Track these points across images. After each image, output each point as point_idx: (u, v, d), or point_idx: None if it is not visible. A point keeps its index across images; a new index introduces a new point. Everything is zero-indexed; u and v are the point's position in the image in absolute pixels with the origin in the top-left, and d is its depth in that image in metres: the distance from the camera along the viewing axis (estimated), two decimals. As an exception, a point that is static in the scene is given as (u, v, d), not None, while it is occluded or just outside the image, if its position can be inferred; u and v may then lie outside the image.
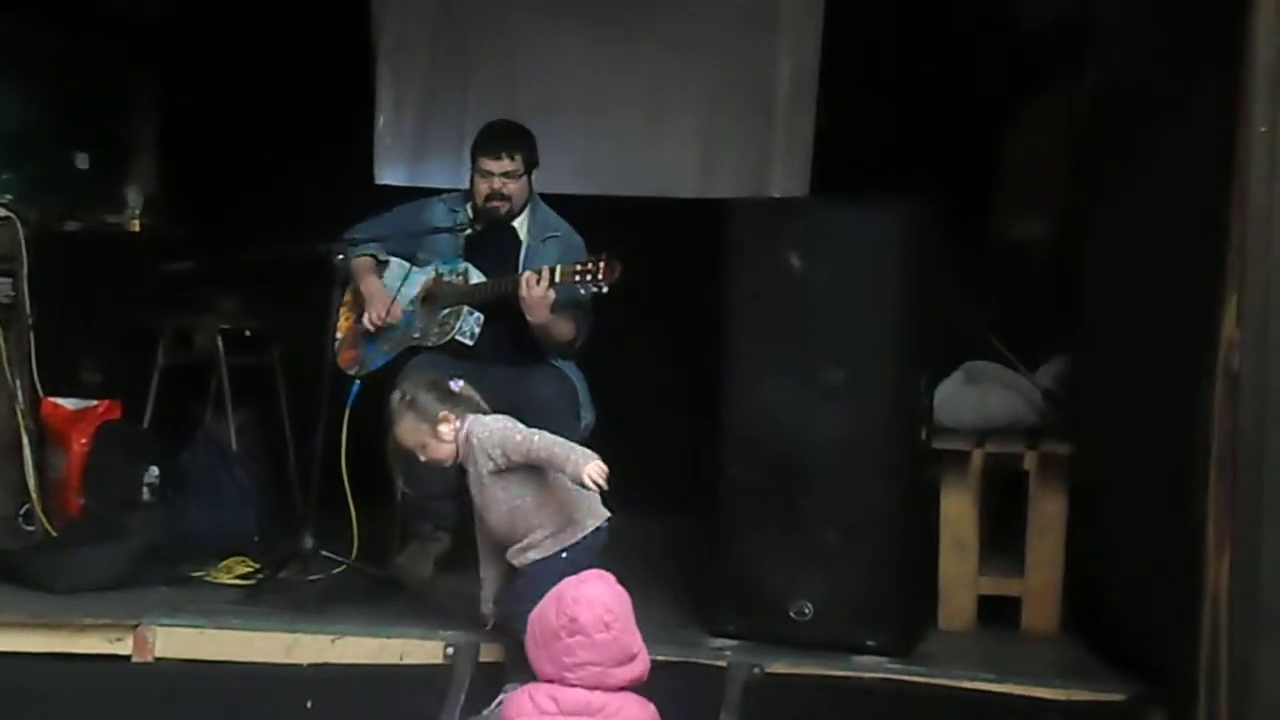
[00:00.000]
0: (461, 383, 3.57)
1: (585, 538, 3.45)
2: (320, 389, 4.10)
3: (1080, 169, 4.35)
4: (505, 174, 4.30)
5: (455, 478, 4.10)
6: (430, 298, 4.34)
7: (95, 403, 4.69)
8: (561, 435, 3.49)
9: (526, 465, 3.41)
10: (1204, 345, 3.06)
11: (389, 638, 3.68)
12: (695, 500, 4.00)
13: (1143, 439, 3.49)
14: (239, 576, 4.18)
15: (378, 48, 5.45)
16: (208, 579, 4.18)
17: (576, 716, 2.92)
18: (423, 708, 3.47)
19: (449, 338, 4.24)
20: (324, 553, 4.03)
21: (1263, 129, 2.91)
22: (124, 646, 3.69)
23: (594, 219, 4.50)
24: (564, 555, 3.41)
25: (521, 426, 3.45)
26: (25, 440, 4.62)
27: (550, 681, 2.96)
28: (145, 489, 4.56)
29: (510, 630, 3.38)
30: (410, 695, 3.54)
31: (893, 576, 3.62)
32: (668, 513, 4.68)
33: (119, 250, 5.10)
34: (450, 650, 3.61)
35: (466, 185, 4.44)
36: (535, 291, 4.03)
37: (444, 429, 3.45)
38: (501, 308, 4.19)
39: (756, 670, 3.49)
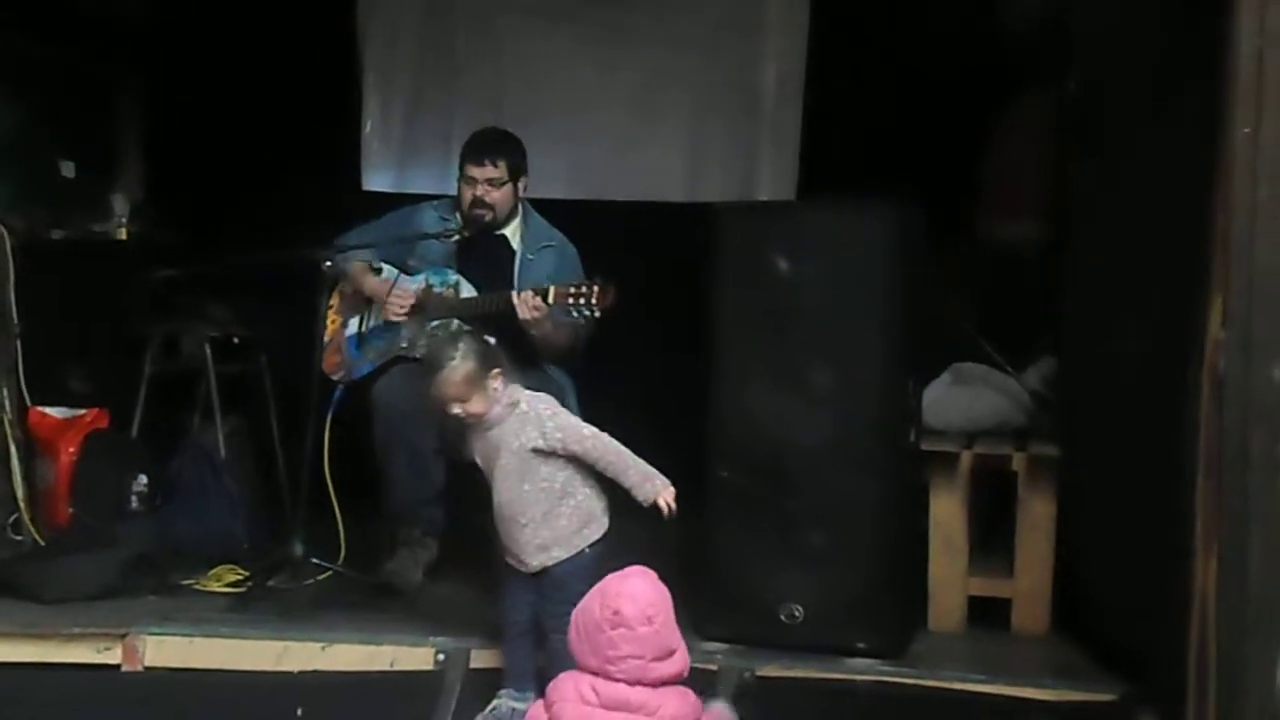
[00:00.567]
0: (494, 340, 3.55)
1: (606, 534, 3.44)
2: (308, 396, 4.09)
3: (1065, 170, 4.36)
4: (489, 181, 4.29)
5: (442, 480, 4.13)
6: (419, 308, 4.33)
7: (83, 411, 4.68)
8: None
9: (568, 454, 3.38)
10: (1190, 346, 3.07)
11: (379, 644, 3.68)
12: (684, 503, 4.00)
13: (1130, 440, 3.51)
14: (228, 584, 4.18)
15: (364, 53, 5.46)
16: (197, 587, 4.17)
17: (615, 711, 2.95)
18: (413, 714, 3.46)
19: (435, 349, 4.22)
20: (313, 560, 4.03)
21: (1245, 130, 2.92)
22: (113, 656, 3.68)
23: (582, 223, 4.51)
24: (587, 550, 3.41)
25: (583, 425, 3.42)
26: (13, 449, 4.60)
27: (593, 674, 3.00)
28: (134, 497, 4.54)
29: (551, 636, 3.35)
30: (401, 702, 3.54)
31: (883, 578, 3.63)
32: (655, 515, 4.67)
33: (106, 258, 5.10)
34: (441, 657, 3.61)
35: (454, 191, 4.44)
36: (528, 311, 4.01)
37: (494, 384, 3.40)
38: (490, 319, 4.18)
39: (747, 674, 3.50)
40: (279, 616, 3.83)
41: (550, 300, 3.97)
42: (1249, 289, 2.94)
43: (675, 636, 3.03)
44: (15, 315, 4.63)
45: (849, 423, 3.60)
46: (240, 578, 4.18)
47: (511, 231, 4.41)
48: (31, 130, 5.06)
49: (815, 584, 3.61)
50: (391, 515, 4.20)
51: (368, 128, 5.47)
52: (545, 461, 3.39)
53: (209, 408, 4.89)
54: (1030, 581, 3.88)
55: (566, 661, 3.12)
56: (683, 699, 3.02)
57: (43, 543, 4.47)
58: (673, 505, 3.32)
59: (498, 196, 4.32)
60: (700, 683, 3.42)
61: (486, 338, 3.53)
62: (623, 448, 3.39)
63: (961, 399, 4.21)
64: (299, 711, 3.55)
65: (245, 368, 5.07)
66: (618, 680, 2.94)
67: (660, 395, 5.07)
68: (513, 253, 4.39)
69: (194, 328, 4.96)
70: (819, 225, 3.68)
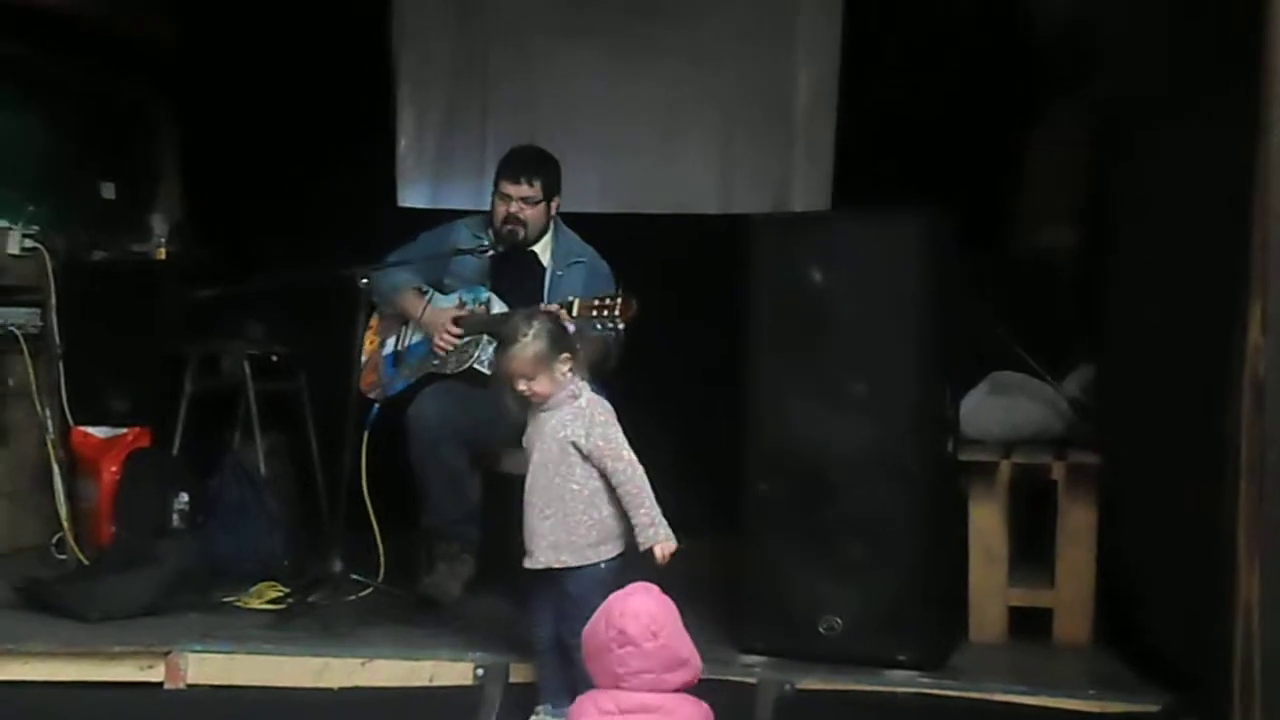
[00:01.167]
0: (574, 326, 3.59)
1: (623, 554, 3.45)
2: (346, 413, 4.11)
3: (1101, 176, 4.33)
4: (524, 199, 4.32)
5: (479, 496, 4.14)
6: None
7: (124, 430, 4.73)
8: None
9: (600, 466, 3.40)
10: (1229, 352, 3.04)
11: (419, 660, 3.68)
12: (722, 517, 4.00)
13: (1171, 447, 3.47)
14: (269, 601, 4.19)
15: (398, 70, 5.49)
16: (238, 604, 4.19)
17: (634, 714, 3.02)
18: (453, 729, 3.47)
19: (467, 365, 4.24)
20: (353, 576, 4.05)
21: (1281, 136, 2.89)
22: (156, 674, 3.70)
23: (616, 237, 4.51)
24: (602, 565, 3.40)
25: (629, 448, 3.42)
26: (56, 469, 4.66)
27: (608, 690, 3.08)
28: (175, 515, 4.58)
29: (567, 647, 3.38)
30: (440, 717, 3.54)
31: (921, 590, 3.61)
32: (695, 530, 4.66)
33: (145, 278, 5.13)
34: (480, 672, 3.61)
35: (488, 206, 4.46)
36: None
37: (562, 367, 3.42)
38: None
39: (788, 687, 3.48)
40: (319, 633, 3.85)
41: (575, 314, 3.99)
42: (1289, 294, 2.92)
43: (685, 645, 3.09)
44: (57, 336, 4.69)
45: (886, 433, 3.58)
46: (281, 594, 4.20)
47: (542, 248, 4.42)
48: (71, 153, 5.13)
49: (854, 596, 3.59)
50: (429, 531, 4.21)
51: (402, 144, 5.50)
52: (582, 463, 3.40)
53: (249, 426, 4.92)
54: (1071, 592, 3.85)
55: None
56: (696, 707, 3.08)
57: (86, 562, 4.52)
58: (667, 558, 3.34)
59: (531, 214, 4.34)
60: (739, 696, 3.44)
61: (565, 323, 3.54)
62: (648, 487, 3.39)
63: (999, 408, 4.18)
64: (340, 727, 3.56)
65: (284, 385, 5.10)
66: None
67: (697, 409, 5.07)
68: (543, 269, 4.40)
69: (233, 346, 5.00)
70: (853, 235, 3.67)
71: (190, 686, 3.69)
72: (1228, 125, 3.12)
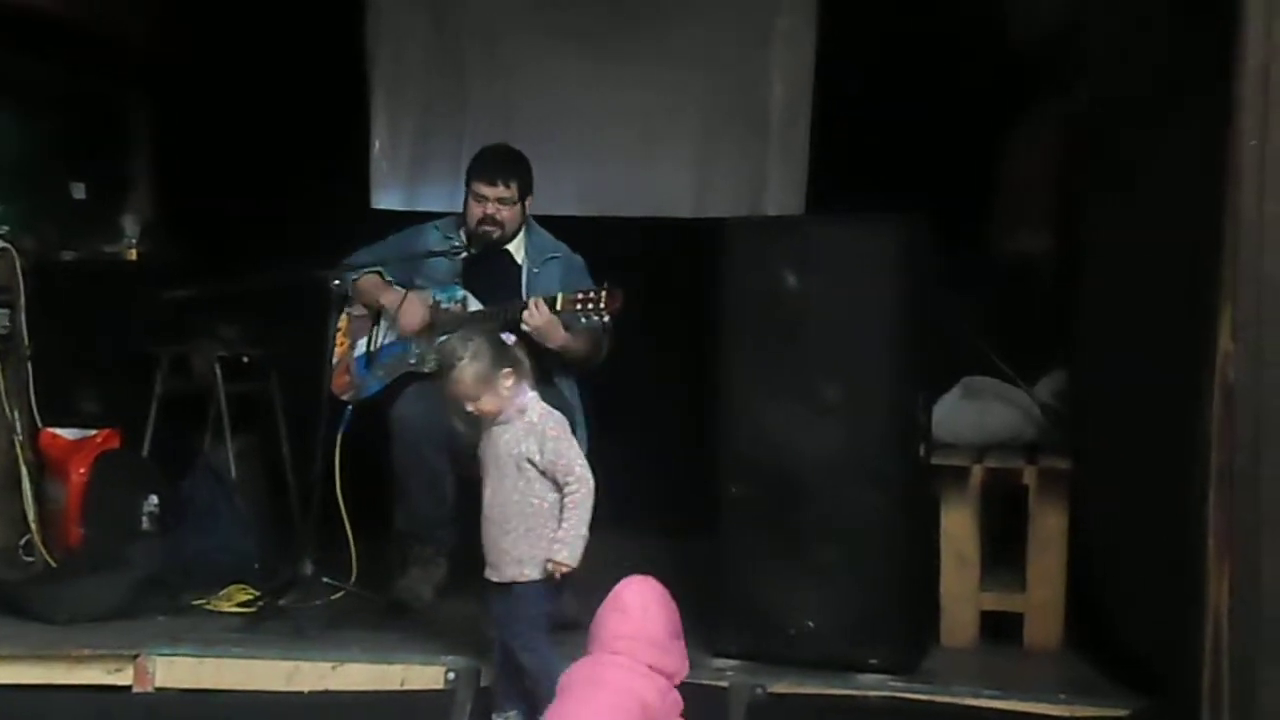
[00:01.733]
0: (514, 338, 3.57)
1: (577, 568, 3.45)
2: (318, 415, 4.09)
3: (1075, 182, 4.35)
4: (499, 200, 4.31)
5: (455, 499, 4.12)
6: (428, 325, 4.33)
7: (94, 432, 4.69)
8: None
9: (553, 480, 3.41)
10: (1200, 358, 3.06)
11: (390, 664, 3.67)
12: (694, 520, 3.99)
13: (1142, 453, 3.49)
14: (239, 604, 4.17)
15: (373, 72, 5.46)
16: (208, 607, 4.17)
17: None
18: (424, 733, 3.47)
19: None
20: (324, 579, 4.03)
21: (1253, 142, 2.91)
22: (124, 677, 3.67)
23: (590, 240, 4.51)
24: (558, 576, 3.39)
25: (583, 462, 3.42)
26: (24, 471, 4.61)
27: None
28: (145, 518, 4.55)
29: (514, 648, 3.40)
30: (412, 721, 3.53)
31: (894, 594, 3.61)
32: (667, 533, 4.67)
33: (116, 279, 5.11)
34: (451, 675, 3.61)
35: (462, 209, 4.45)
36: (536, 320, 4.03)
37: (506, 383, 3.42)
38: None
39: (759, 690, 3.49)
40: (290, 636, 3.83)
41: (558, 308, 3.99)
42: (1258, 300, 2.94)
43: (673, 633, 3.28)
44: (26, 336, 4.65)
45: (858, 437, 3.59)
46: (251, 597, 4.17)
47: (516, 246, 4.42)
48: (41, 152, 5.09)
49: (826, 599, 3.60)
50: (405, 533, 4.20)
51: (376, 147, 5.48)
52: (539, 478, 3.40)
53: (219, 427, 4.90)
54: (1043, 596, 3.86)
55: (542, 679, 3.28)
56: (648, 682, 3.21)
57: (54, 564, 4.48)
58: (555, 575, 3.35)
59: (507, 215, 4.34)
60: (711, 699, 3.44)
61: (504, 337, 3.54)
62: (588, 505, 3.38)
63: (972, 412, 4.20)
64: (310, 731, 3.55)
65: (255, 387, 5.08)
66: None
67: (669, 411, 5.07)
68: (519, 267, 4.40)
69: (204, 347, 4.98)
70: (827, 239, 3.68)
71: (159, 690, 3.67)
72: (1199, 133, 3.14)
